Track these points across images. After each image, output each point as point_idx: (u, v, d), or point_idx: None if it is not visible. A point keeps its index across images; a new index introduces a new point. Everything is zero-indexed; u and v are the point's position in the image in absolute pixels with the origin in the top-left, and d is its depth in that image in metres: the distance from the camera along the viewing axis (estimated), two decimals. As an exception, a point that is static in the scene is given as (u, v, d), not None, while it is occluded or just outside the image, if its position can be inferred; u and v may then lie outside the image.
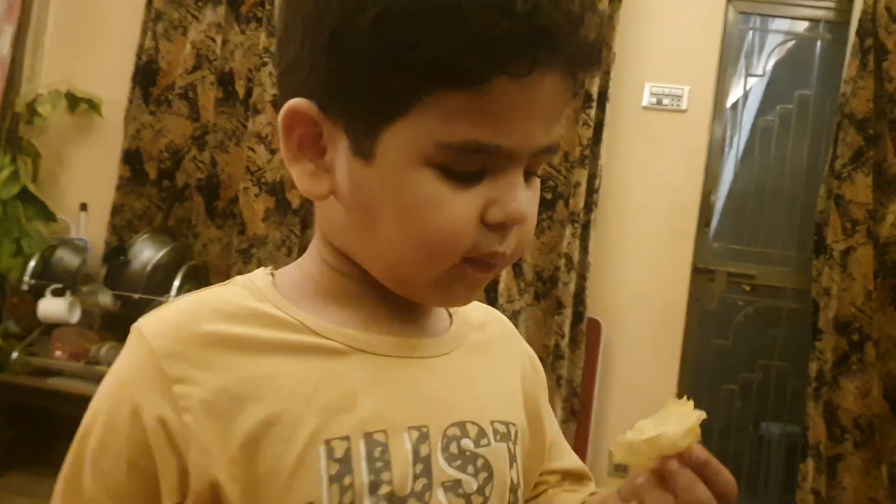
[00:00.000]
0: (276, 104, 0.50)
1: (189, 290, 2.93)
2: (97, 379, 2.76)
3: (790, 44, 3.35)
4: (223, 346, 0.55)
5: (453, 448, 0.57)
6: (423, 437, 0.56)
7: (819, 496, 2.84)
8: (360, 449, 0.54)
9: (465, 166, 0.53)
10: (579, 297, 2.96)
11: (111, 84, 3.15)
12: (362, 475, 0.53)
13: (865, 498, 2.85)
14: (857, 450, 2.85)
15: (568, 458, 0.75)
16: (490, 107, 0.51)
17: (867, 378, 2.84)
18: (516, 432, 0.63)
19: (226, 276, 3.06)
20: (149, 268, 2.92)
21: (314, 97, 0.55)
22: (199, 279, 2.98)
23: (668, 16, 3.10)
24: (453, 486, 0.56)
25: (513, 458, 0.62)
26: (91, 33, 3.23)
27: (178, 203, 3.11)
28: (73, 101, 3.12)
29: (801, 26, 3.32)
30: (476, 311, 0.68)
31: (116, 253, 2.96)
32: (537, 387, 0.71)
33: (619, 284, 3.08)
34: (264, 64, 3.07)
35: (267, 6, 3.08)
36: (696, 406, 0.57)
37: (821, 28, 3.26)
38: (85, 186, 3.20)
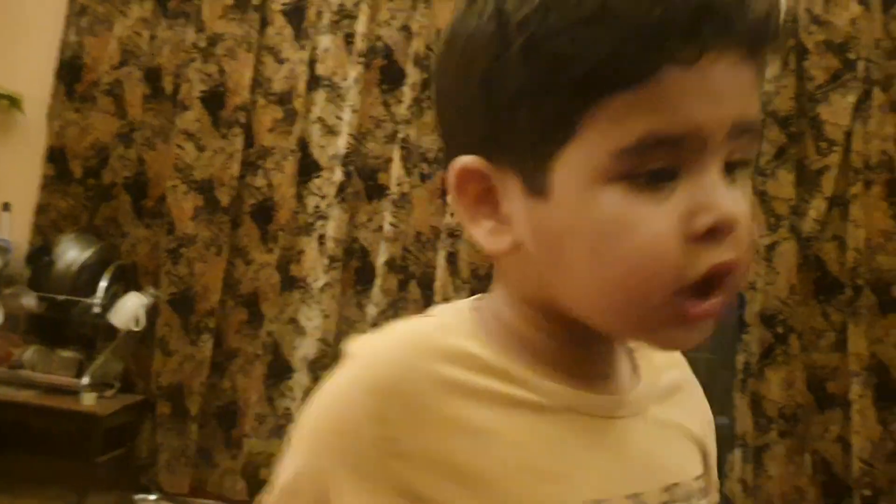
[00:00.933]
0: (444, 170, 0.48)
1: (116, 291, 2.86)
2: (21, 384, 2.71)
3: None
4: (442, 390, 0.50)
5: None
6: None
7: (746, 485, 2.91)
8: None
9: (649, 167, 0.47)
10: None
11: (33, 80, 3.06)
12: None
13: (790, 486, 2.93)
14: (782, 439, 2.93)
15: None
16: (663, 98, 0.47)
17: (791, 369, 2.93)
18: (709, 485, 0.61)
19: (155, 276, 3.00)
20: (74, 268, 2.85)
21: (479, 151, 0.52)
22: (126, 279, 2.92)
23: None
24: None
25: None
26: (11, 27, 3.13)
27: (104, 202, 3.04)
28: (-7, 98, 3.03)
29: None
30: (657, 357, 0.60)
31: (41, 253, 2.88)
32: (711, 441, 0.65)
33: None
34: (192, 60, 3.02)
35: (195, 1, 3.03)
36: None
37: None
38: (7, 186, 3.10)
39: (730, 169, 0.50)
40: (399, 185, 2.97)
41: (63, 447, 2.80)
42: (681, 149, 0.48)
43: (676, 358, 0.63)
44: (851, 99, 2.94)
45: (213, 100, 3.03)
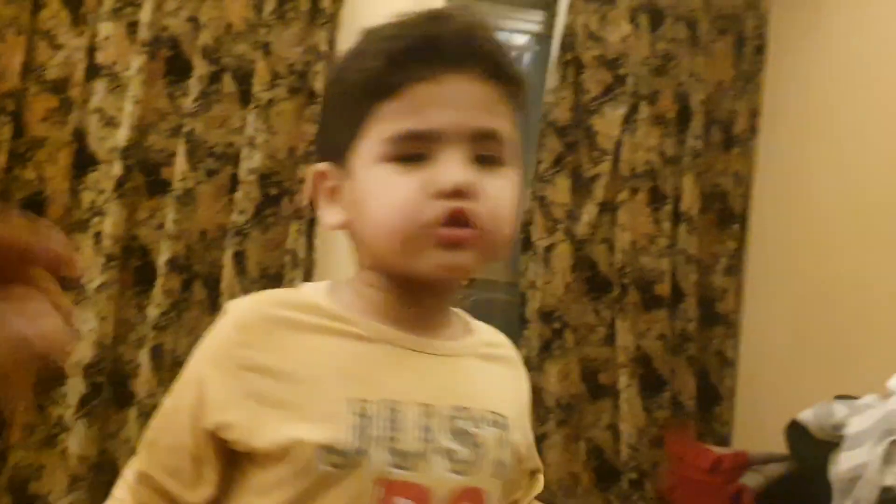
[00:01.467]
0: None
1: None
2: None
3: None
4: (280, 325, 0.73)
5: (452, 425, 0.72)
6: (429, 412, 0.71)
7: (525, 473, 3.08)
8: (378, 410, 0.69)
9: (405, 152, 0.70)
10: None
11: None
12: (377, 430, 0.68)
13: (566, 472, 3.13)
14: (559, 428, 3.12)
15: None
16: (411, 104, 0.70)
17: (567, 362, 3.12)
18: (508, 424, 0.77)
19: None
20: None
21: (328, 159, 0.78)
22: None
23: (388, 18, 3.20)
24: (447, 453, 0.71)
25: (502, 443, 0.76)
26: None
27: None
28: None
29: (519, 39, 3.56)
30: (490, 333, 0.86)
31: None
32: (527, 413, 0.86)
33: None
34: None
35: None
36: None
37: (531, 41, 3.52)
38: None
39: (483, 162, 0.71)
40: (183, 180, 2.88)
41: None
42: (426, 141, 0.70)
43: (505, 341, 0.88)
44: (621, 111, 3.18)
45: (-23, 84, 2.80)
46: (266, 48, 2.97)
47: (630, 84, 3.19)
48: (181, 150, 2.89)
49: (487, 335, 0.84)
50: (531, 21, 3.48)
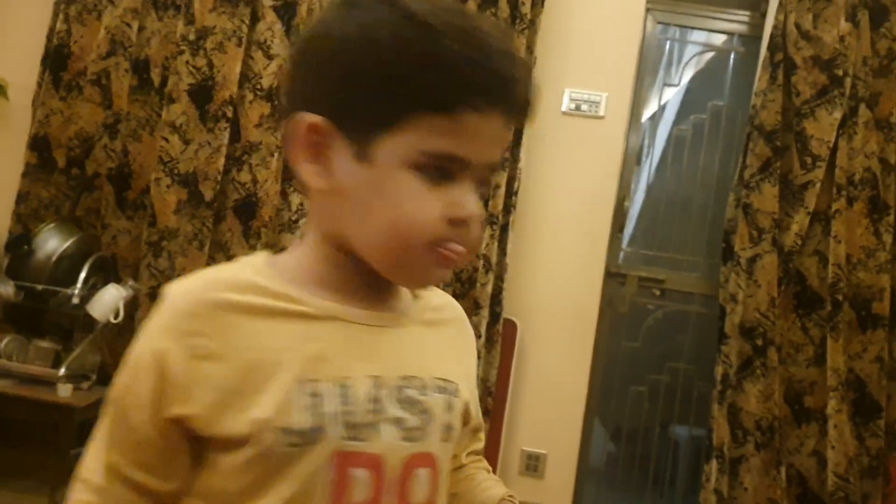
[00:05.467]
0: (276, 114, 0.69)
1: (96, 282, 2.84)
2: (-3, 373, 2.68)
3: (706, 56, 3.44)
4: (227, 309, 0.72)
5: (401, 395, 0.74)
6: (378, 384, 0.73)
7: (721, 496, 2.92)
8: (330, 388, 0.71)
9: (436, 168, 0.71)
10: (496, 297, 2.99)
11: (20, 67, 3.04)
12: (330, 406, 0.71)
13: (765, 498, 2.94)
14: (759, 451, 2.94)
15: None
16: (459, 129, 0.71)
17: (769, 382, 2.94)
18: (456, 388, 0.79)
19: (135, 268, 2.98)
20: (54, 258, 2.82)
21: (324, 114, 0.73)
22: (106, 271, 2.89)
23: (588, 23, 3.15)
24: (397, 422, 0.73)
25: (450, 407, 0.78)
26: (-1, 14, 3.11)
27: (86, 192, 3.01)
28: (-22, 84, 3.00)
29: (718, 39, 3.41)
30: (436, 296, 0.86)
31: (20, 242, 2.85)
32: (474, 372, 0.89)
33: (535, 286, 3.11)
34: (181, 52, 3.00)
35: (186, -6, 3.02)
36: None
37: (735, 41, 3.35)
38: (-11, 173, 3.08)
39: (476, 187, 0.74)
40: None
41: (37, 439, 2.77)
42: (458, 164, 0.72)
43: (451, 302, 0.88)
44: (837, 115, 2.95)
45: (201, 93, 3.01)
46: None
47: (847, 86, 2.96)
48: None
49: (433, 299, 0.85)
50: (737, 21, 3.32)
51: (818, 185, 2.94)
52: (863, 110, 2.96)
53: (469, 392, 0.83)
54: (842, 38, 2.99)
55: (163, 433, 0.71)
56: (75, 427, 2.62)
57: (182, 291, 0.73)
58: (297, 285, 0.74)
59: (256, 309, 0.72)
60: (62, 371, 2.69)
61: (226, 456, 0.70)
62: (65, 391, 2.62)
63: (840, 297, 2.90)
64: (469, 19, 0.73)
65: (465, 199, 0.73)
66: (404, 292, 0.81)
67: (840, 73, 2.97)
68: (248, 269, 0.75)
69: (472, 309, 2.96)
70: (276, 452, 0.69)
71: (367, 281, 0.76)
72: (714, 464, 2.94)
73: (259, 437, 0.69)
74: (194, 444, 0.72)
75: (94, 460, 0.75)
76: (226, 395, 0.70)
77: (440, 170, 0.71)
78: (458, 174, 0.72)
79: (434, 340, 0.82)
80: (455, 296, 3.01)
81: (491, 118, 0.72)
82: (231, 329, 0.71)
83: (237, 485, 0.71)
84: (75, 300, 2.75)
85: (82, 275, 2.77)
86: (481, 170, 0.74)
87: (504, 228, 2.98)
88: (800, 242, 2.95)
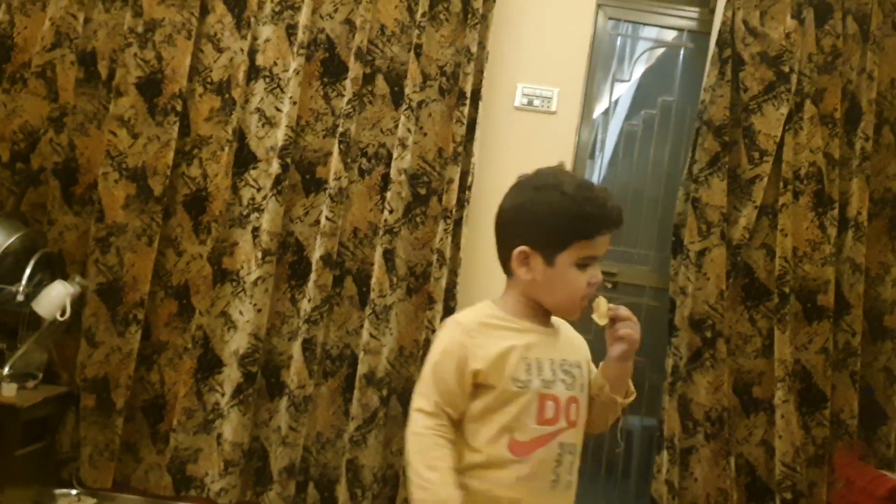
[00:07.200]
0: (501, 246, 1.45)
1: (42, 279, 2.76)
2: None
3: (657, 51, 3.48)
4: (485, 325, 1.39)
5: (563, 368, 1.40)
6: (553, 362, 1.39)
7: (672, 487, 2.96)
8: (534, 362, 1.37)
9: (584, 263, 1.36)
10: (450, 292, 2.98)
11: (-40, 58, 2.96)
12: (534, 371, 1.36)
13: (714, 488, 2.99)
14: (708, 442, 2.99)
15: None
16: (594, 245, 1.36)
17: (718, 373, 2.98)
18: (583, 366, 1.44)
19: (82, 265, 2.93)
20: (-2, 255, 2.75)
21: (528, 244, 1.38)
22: (53, 267, 2.83)
23: (540, 18, 3.16)
24: (563, 381, 1.39)
25: (582, 374, 1.43)
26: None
27: (32, 187, 2.94)
28: (-84, 75, 2.91)
29: (669, 35, 3.45)
30: (560, 320, 1.48)
31: (-38, 238, 2.78)
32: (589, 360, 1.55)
33: (489, 280, 3.11)
34: (129, 45, 2.95)
35: (133, -15, 2.96)
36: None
37: (685, 38, 3.40)
38: (-71, 167, 2.99)
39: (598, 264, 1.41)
40: (337, 179, 2.95)
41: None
42: (593, 259, 1.37)
43: (569, 326, 1.51)
44: (783, 111, 3.01)
45: (149, 86, 2.96)
46: (418, 50, 2.99)
47: (793, 82, 3.02)
48: (335, 149, 2.96)
49: (564, 323, 1.49)
50: (686, 18, 3.36)
51: (765, 179, 3.00)
52: (808, 106, 3.02)
53: (588, 367, 1.47)
54: (788, 35, 3.04)
55: (460, 384, 1.34)
56: (20, 427, 2.57)
57: (463, 317, 1.42)
58: (513, 315, 1.40)
59: (497, 326, 1.39)
60: (6, 370, 2.63)
61: (483, 397, 1.35)
62: (8, 390, 2.56)
63: (787, 290, 2.95)
64: (592, 189, 1.38)
65: (596, 275, 1.37)
66: (555, 318, 1.45)
67: (786, 69, 3.02)
68: (488, 309, 1.42)
69: (425, 303, 2.96)
70: (510, 391, 1.34)
71: (543, 312, 1.42)
72: (665, 455, 2.97)
73: (503, 384, 1.34)
74: (472, 391, 1.34)
75: (424, 399, 1.35)
76: (489, 364, 1.34)
77: (585, 264, 1.36)
78: (592, 262, 1.37)
79: (568, 342, 1.46)
80: (410, 290, 3.05)
81: (605, 235, 1.37)
82: (489, 333, 1.37)
83: (486, 408, 1.35)
84: (20, 297, 2.69)
85: (27, 271, 2.71)
86: (600, 257, 1.40)
87: (458, 223, 2.98)
88: (747, 236, 3.00)
